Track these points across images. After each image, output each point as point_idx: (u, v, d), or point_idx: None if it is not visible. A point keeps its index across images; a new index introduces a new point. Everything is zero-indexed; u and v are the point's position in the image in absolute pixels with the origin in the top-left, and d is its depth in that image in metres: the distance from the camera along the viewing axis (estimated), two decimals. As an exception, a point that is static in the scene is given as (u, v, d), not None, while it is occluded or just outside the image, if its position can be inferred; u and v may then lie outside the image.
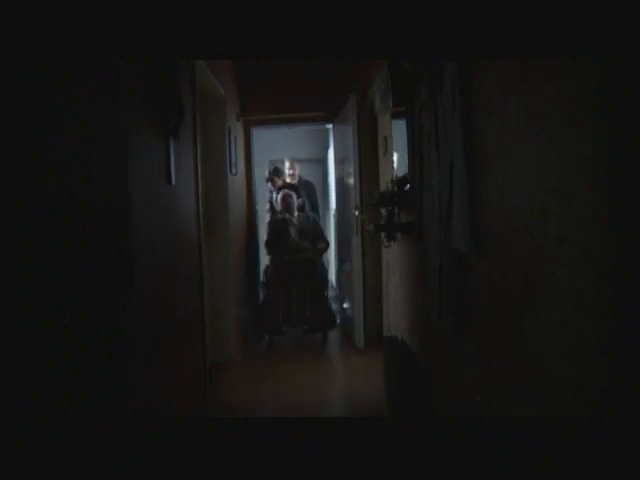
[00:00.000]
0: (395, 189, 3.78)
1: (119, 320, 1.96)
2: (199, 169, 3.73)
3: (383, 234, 4.24)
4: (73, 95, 1.61)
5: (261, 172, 6.92)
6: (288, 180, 6.55)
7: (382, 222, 4.11)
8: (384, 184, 4.37)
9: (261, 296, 6.09)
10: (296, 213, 5.93)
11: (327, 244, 6.00)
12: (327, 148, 7.72)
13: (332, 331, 5.74)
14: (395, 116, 3.78)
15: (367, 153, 5.13)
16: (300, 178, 6.72)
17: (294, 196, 5.94)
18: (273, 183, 6.62)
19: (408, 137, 3.32)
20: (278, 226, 5.87)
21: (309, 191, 6.61)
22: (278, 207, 5.98)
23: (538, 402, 1.35)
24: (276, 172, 6.73)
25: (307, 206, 6.17)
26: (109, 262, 1.88)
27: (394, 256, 4.27)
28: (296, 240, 5.78)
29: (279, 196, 6.00)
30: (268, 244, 5.92)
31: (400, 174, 3.80)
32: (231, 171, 5.04)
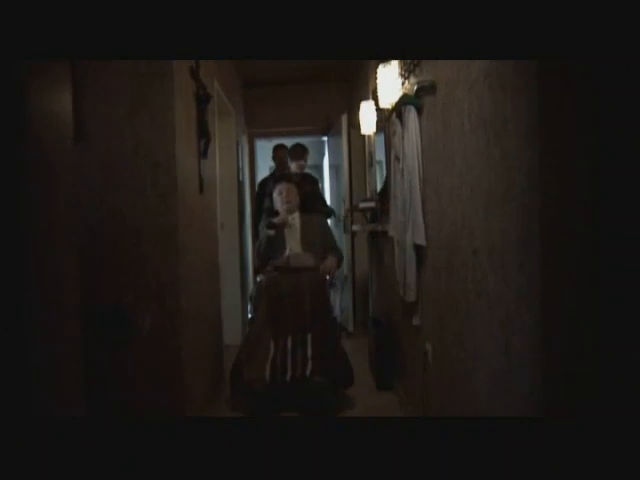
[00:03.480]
0: (377, 196, 3.86)
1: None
2: (217, 179, 3.76)
3: (367, 233, 4.34)
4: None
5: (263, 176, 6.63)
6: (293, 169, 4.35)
7: (367, 223, 4.23)
8: (369, 191, 4.38)
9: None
10: (297, 213, 3.66)
11: (341, 256, 3.72)
12: (322, 155, 7.50)
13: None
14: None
15: (356, 164, 5.08)
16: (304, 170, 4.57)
17: (295, 190, 3.72)
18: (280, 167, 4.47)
19: (385, 157, 3.35)
20: (272, 231, 3.54)
21: (314, 185, 4.51)
22: (276, 205, 3.69)
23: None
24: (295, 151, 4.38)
25: (313, 204, 4.06)
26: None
27: (376, 251, 4.23)
28: (298, 252, 3.47)
29: (277, 190, 3.72)
30: (258, 255, 3.62)
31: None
32: (239, 178, 4.89)
